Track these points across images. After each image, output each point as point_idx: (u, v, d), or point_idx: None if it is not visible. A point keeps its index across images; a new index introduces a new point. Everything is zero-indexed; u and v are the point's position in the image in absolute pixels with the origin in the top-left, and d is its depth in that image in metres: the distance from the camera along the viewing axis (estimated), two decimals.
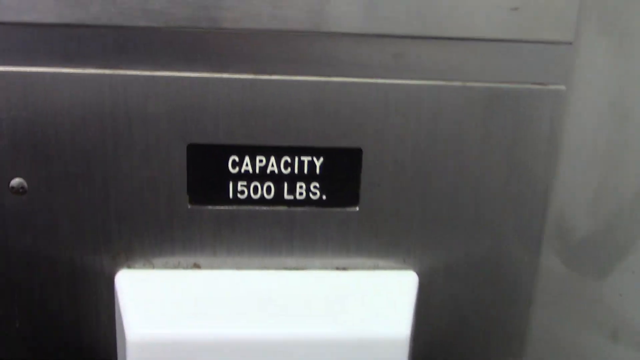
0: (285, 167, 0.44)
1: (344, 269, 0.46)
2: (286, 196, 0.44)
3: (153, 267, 0.45)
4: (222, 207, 0.44)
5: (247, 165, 0.44)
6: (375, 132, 0.43)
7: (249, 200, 0.44)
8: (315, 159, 0.44)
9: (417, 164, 0.44)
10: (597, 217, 0.48)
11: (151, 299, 0.43)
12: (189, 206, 0.44)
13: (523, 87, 0.43)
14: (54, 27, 0.40)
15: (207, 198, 0.44)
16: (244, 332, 0.42)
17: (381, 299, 0.44)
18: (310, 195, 0.44)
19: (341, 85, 0.42)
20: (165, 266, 0.45)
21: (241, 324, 0.42)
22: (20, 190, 0.43)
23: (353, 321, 0.43)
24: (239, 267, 0.45)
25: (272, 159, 0.44)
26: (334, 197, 0.45)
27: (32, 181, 0.43)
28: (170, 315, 0.42)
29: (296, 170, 0.44)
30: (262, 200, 0.44)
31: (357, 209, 0.45)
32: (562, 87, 0.44)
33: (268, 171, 0.44)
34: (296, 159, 0.44)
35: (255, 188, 0.44)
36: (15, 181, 0.42)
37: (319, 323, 0.42)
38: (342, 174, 0.44)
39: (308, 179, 0.44)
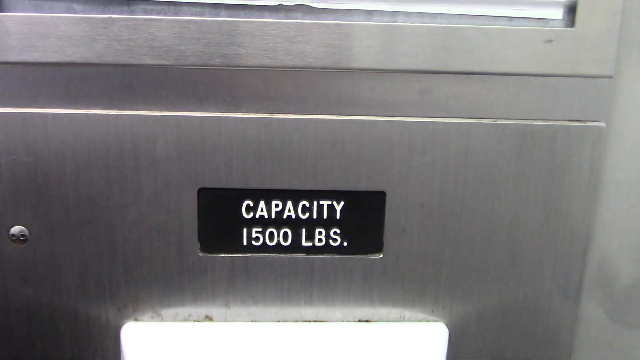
0: (303, 212, 0.42)
1: (367, 321, 0.44)
2: (304, 243, 0.43)
3: (162, 319, 0.43)
4: (235, 255, 0.43)
5: (262, 210, 0.42)
6: (399, 173, 0.42)
7: (264, 248, 0.43)
8: (335, 203, 0.42)
9: (445, 208, 0.43)
10: None
11: (160, 354, 0.41)
12: (200, 254, 0.43)
13: (560, 125, 0.42)
14: (57, 66, 0.39)
15: (219, 245, 0.43)
16: None
17: (409, 354, 0.42)
18: (331, 241, 0.43)
19: (362, 124, 0.41)
20: (175, 319, 0.43)
21: None
22: (21, 238, 0.42)
23: None
24: (253, 319, 0.44)
25: (289, 204, 0.42)
26: (355, 243, 0.43)
27: (34, 229, 0.42)
28: None
29: (315, 215, 0.43)
30: (278, 248, 0.43)
31: (381, 256, 0.43)
32: (602, 124, 0.42)
33: (285, 216, 0.43)
34: (315, 203, 0.42)
35: (271, 234, 0.43)
36: (16, 229, 0.41)
37: None
38: (365, 218, 0.43)
39: (328, 224, 0.43)
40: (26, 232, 0.42)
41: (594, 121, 0.42)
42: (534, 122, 0.42)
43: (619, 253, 0.45)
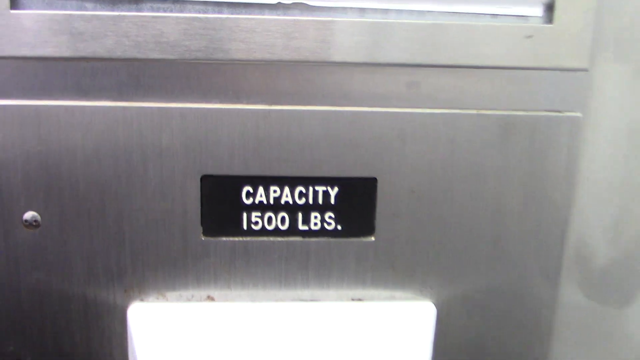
0: (300, 198, 0.46)
1: (360, 300, 0.48)
2: (301, 227, 0.46)
3: (166, 300, 0.47)
4: (236, 239, 0.46)
5: (261, 195, 0.45)
6: (390, 161, 0.45)
7: (263, 232, 0.46)
8: (329, 189, 0.46)
9: (434, 193, 0.46)
10: (618, 245, 0.49)
11: (164, 332, 0.44)
12: (203, 238, 0.46)
13: (539, 115, 0.45)
14: (69, 60, 0.42)
15: (220, 230, 0.46)
16: None
17: (399, 330, 0.46)
18: (325, 225, 0.46)
19: (355, 115, 0.44)
20: (179, 299, 0.47)
21: (256, 358, 0.44)
22: (34, 223, 0.44)
23: (371, 355, 0.44)
24: (253, 299, 0.47)
25: (287, 189, 0.45)
26: (349, 227, 0.46)
27: (46, 215, 0.44)
28: (183, 349, 0.44)
29: (311, 201, 0.46)
30: (276, 231, 0.46)
31: (373, 239, 0.47)
32: (579, 114, 0.46)
33: (282, 202, 0.46)
34: (310, 189, 0.46)
35: (270, 219, 0.46)
36: (29, 214, 0.44)
37: (336, 357, 0.44)
38: (358, 203, 0.46)
39: (323, 209, 0.46)
40: (38, 218, 0.45)
41: (571, 111, 0.46)
42: (516, 113, 0.45)
43: (595, 235, 0.49)
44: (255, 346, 0.45)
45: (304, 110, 0.44)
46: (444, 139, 0.45)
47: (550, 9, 0.44)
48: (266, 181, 0.45)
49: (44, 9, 0.42)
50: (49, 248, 0.45)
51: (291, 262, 0.47)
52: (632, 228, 0.49)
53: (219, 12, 0.43)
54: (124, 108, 0.43)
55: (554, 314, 0.49)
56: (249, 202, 0.46)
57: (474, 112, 0.45)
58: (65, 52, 0.42)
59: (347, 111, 0.44)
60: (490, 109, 0.45)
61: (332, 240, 0.46)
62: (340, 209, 0.46)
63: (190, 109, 0.43)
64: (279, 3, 0.43)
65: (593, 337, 0.51)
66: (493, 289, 0.48)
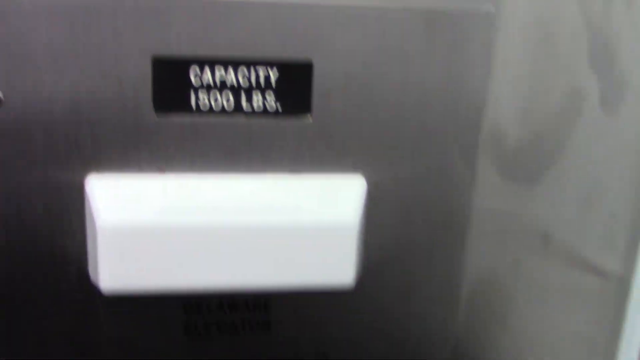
0: (243, 79, 0.52)
1: (298, 173, 0.54)
2: (245, 107, 0.52)
3: (121, 172, 0.52)
4: (185, 118, 0.52)
5: (207, 76, 0.51)
6: (325, 47, 0.51)
7: (210, 112, 0.52)
8: (270, 71, 0.52)
9: (366, 79, 0.52)
10: (527, 128, 0.56)
11: (119, 194, 0.50)
12: (154, 117, 0.51)
13: (457, 9, 0.52)
14: None
15: (171, 108, 0.51)
16: (206, 219, 0.50)
17: (333, 195, 0.52)
18: (267, 105, 0.52)
19: (294, 5, 0.50)
20: (132, 171, 0.52)
21: (203, 212, 0.50)
22: None
23: (307, 210, 0.51)
24: (201, 173, 0.53)
25: (231, 71, 0.51)
26: (289, 107, 0.52)
27: (8, 92, 0.49)
28: (137, 205, 0.50)
29: (253, 83, 0.52)
30: (222, 112, 0.52)
31: (310, 120, 0.53)
32: (492, 9, 0.52)
33: (227, 83, 0.51)
34: (253, 71, 0.51)
35: (216, 99, 0.52)
36: None
37: (273, 212, 0.51)
38: (296, 85, 0.52)
39: (264, 90, 0.52)
40: (1, 95, 0.49)
41: (485, 5, 0.52)
42: (437, 6, 0.52)
43: (507, 119, 0.56)
44: (202, 204, 0.51)
45: (248, 1, 0.50)
46: (375, 28, 0.51)
47: None
48: (212, 63, 0.51)
49: None
50: (12, 126, 0.50)
51: (236, 140, 0.52)
52: (539, 112, 0.56)
53: None
54: None
55: (472, 187, 0.56)
56: (196, 83, 0.51)
57: (400, 6, 0.51)
58: None
59: (287, 2, 0.50)
60: (414, 3, 0.51)
61: (273, 120, 0.52)
62: (280, 91, 0.52)
63: None
64: None
65: (506, 209, 0.59)
66: (419, 168, 0.55)
